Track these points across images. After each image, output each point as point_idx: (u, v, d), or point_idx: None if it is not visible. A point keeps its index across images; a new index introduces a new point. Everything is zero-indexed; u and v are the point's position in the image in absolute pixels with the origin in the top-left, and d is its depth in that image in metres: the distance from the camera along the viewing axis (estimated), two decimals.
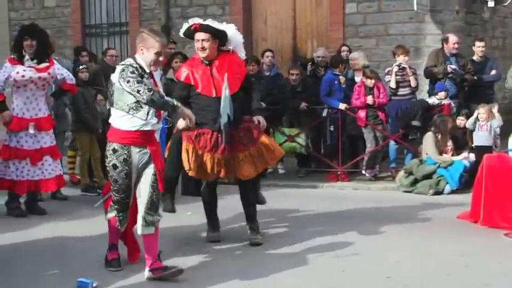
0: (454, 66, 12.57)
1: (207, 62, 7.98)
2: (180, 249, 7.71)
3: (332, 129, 12.66)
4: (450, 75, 12.51)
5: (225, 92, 7.74)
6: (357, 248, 7.62)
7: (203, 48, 7.94)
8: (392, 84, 12.38)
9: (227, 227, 8.60)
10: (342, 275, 6.64)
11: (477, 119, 11.75)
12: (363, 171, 12.67)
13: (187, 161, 7.78)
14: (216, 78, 7.88)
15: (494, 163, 9.06)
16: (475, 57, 13.09)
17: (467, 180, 11.02)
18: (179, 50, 14.27)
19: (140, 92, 6.30)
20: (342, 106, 12.44)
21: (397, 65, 12.41)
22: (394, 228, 8.71)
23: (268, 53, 13.41)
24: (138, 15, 16.83)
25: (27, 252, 7.60)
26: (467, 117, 12.02)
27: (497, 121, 11.79)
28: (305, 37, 15.62)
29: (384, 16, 14.64)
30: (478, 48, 13.07)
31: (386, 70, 12.73)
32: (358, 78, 12.77)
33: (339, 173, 12.55)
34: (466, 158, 11.53)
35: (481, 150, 11.11)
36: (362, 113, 12.44)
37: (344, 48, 13.56)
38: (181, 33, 8.28)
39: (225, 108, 7.69)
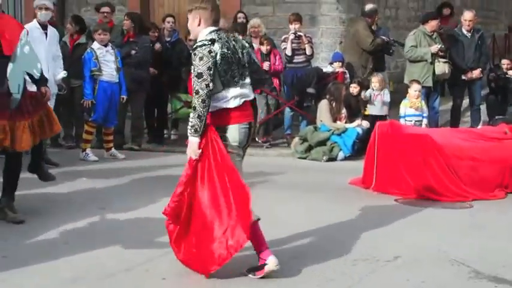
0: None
1: None
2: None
3: None
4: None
5: (22, 50, 7.10)
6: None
7: None
8: (288, 52, 12.52)
9: None
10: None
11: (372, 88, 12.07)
12: (257, 139, 12.77)
13: None
14: (2, 35, 7.10)
15: (386, 130, 9.30)
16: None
17: (360, 148, 11.28)
18: (75, 13, 14.07)
19: None
20: None
21: (293, 33, 12.54)
22: (287, 193, 8.85)
23: (169, 19, 13.26)
24: None
25: None
26: (360, 84, 12.28)
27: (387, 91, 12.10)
28: None
29: None
30: None
31: (283, 37, 12.86)
32: (256, 46, 12.81)
33: None
34: (360, 125, 11.79)
35: (375, 119, 11.37)
36: None
37: (240, 15, 13.58)
38: None
39: (19, 68, 7.08)
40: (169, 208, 5.78)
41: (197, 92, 5.62)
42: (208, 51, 5.63)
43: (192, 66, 5.69)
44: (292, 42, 12.53)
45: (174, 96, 12.79)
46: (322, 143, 11.61)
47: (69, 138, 12.38)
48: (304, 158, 11.59)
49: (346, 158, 11.46)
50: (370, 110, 12.07)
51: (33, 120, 7.20)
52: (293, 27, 12.60)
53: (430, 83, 12.32)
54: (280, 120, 13.08)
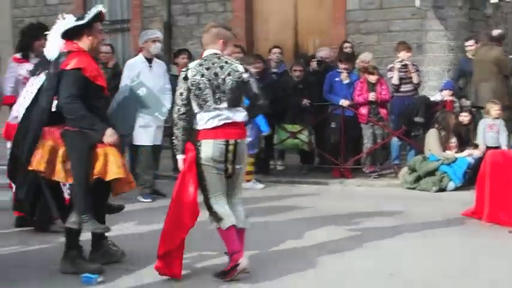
0: None
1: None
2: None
3: (334, 125, 12.64)
4: None
5: (135, 92, 7.05)
6: (361, 245, 7.60)
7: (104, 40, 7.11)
8: (395, 81, 12.38)
9: None
10: (345, 273, 6.61)
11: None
12: (364, 169, 12.65)
13: (117, 166, 6.45)
14: (101, 76, 6.81)
15: (498, 159, 9.04)
16: (469, 55, 13.04)
17: (471, 177, 10.94)
18: (184, 47, 14.25)
19: None
20: (344, 103, 12.42)
21: (399, 62, 12.40)
22: (397, 225, 8.68)
23: (275, 50, 13.35)
24: (140, 12, 16.83)
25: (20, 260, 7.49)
26: (471, 113, 12.00)
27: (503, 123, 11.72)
28: (306, 34, 15.60)
29: (385, 12, 14.62)
30: (467, 47, 13.03)
31: (389, 67, 12.74)
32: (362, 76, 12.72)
33: (342, 169, 12.54)
34: (470, 154, 11.49)
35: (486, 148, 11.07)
36: (364, 110, 12.42)
37: (346, 44, 13.52)
38: (84, 21, 6.67)
39: (132, 109, 6.97)
40: None
41: (173, 117, 6.41)
42: (183, 77, 6.36)
43: None
44: (399, 71, 12.38)
45: (280, 126, 12.79)
46: (432, 173, 11.39)
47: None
48: (413, 189, 11.38)
49: (456, 188, 11.19)
50: (486, 141, 11.69)
51: None
52: (402, 55, 12.44)
53: None
54: (388, 153, 12.91)
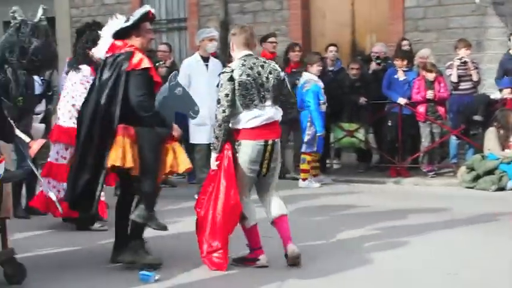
0: None
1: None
2: None
3: (390, 124, 12.52)
4: None
5: (173, 92, 7.20)
6: (419, 244, 7.54)
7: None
8: (454, 79, 12.21)
9: None
10: (403, 272, 6.55)
11: None
12: (421, 168, 12.51)
13: (185, 158, 6.89)
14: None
15: None
16: None
17: None
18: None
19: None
20: (402, 101, 12.29)
21: (458, 59, 12.23)
22: (456, 224, 8.59)
23: (332, 48, 13.27)
24: (197, 11, 16.89)
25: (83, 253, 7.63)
26: None
27: None
28: (364, 32, 15.47)
29: (444, 9, 14.43)
30: None
31: (447, 64, 12.56)
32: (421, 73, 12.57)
33: (399, 168, 12.43)
34: None
35: None
36: (421, 108, 12.28)
37: (405, 42, 13.36)
38: (131, 22, 6.73)
39: (169, 108, 7.09)
40: (196, 213, 6.77)
41: (216, 117, 6.50)
42: (228, 78, 6.42)
43: None
44: (458, 69, 12.21)
45: (336, 125, 12.73)
46: (491, 172, 11.21)
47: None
48: (472, 188, 11.22)
49: None
50: None
51: None
52: (464, 52, 12.25)
53: None
54: (445, 153, 12.74)
